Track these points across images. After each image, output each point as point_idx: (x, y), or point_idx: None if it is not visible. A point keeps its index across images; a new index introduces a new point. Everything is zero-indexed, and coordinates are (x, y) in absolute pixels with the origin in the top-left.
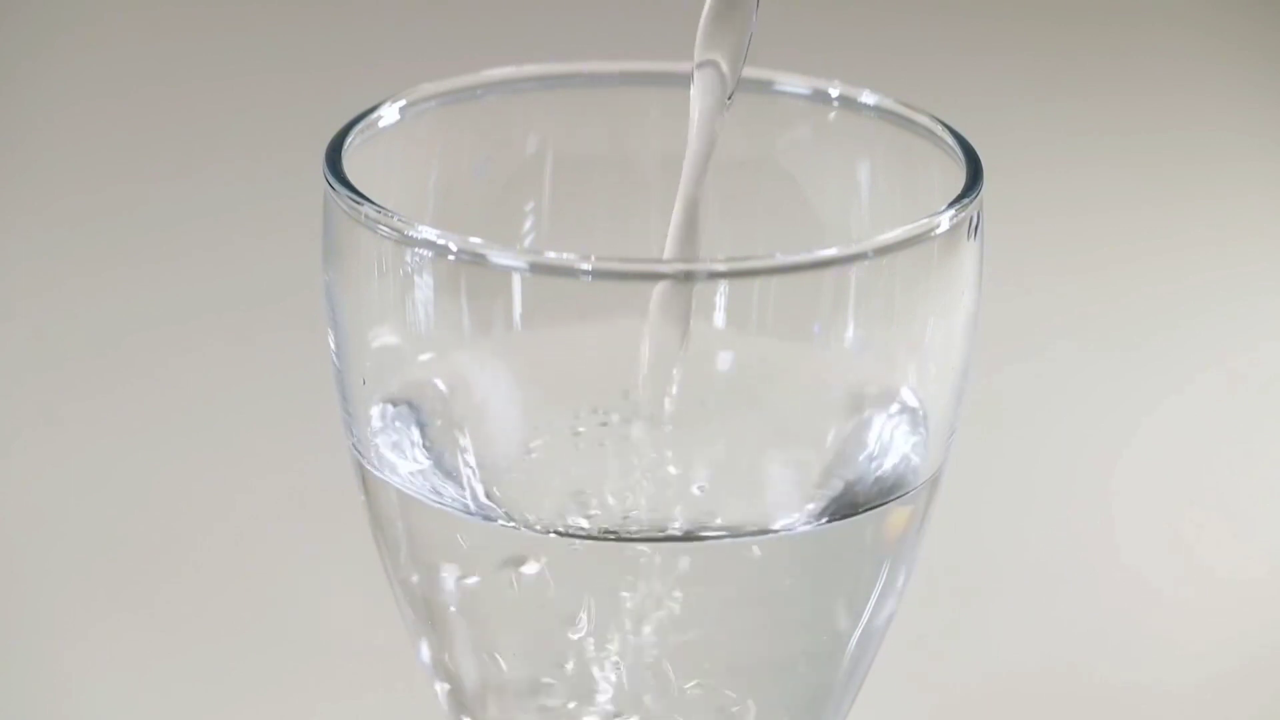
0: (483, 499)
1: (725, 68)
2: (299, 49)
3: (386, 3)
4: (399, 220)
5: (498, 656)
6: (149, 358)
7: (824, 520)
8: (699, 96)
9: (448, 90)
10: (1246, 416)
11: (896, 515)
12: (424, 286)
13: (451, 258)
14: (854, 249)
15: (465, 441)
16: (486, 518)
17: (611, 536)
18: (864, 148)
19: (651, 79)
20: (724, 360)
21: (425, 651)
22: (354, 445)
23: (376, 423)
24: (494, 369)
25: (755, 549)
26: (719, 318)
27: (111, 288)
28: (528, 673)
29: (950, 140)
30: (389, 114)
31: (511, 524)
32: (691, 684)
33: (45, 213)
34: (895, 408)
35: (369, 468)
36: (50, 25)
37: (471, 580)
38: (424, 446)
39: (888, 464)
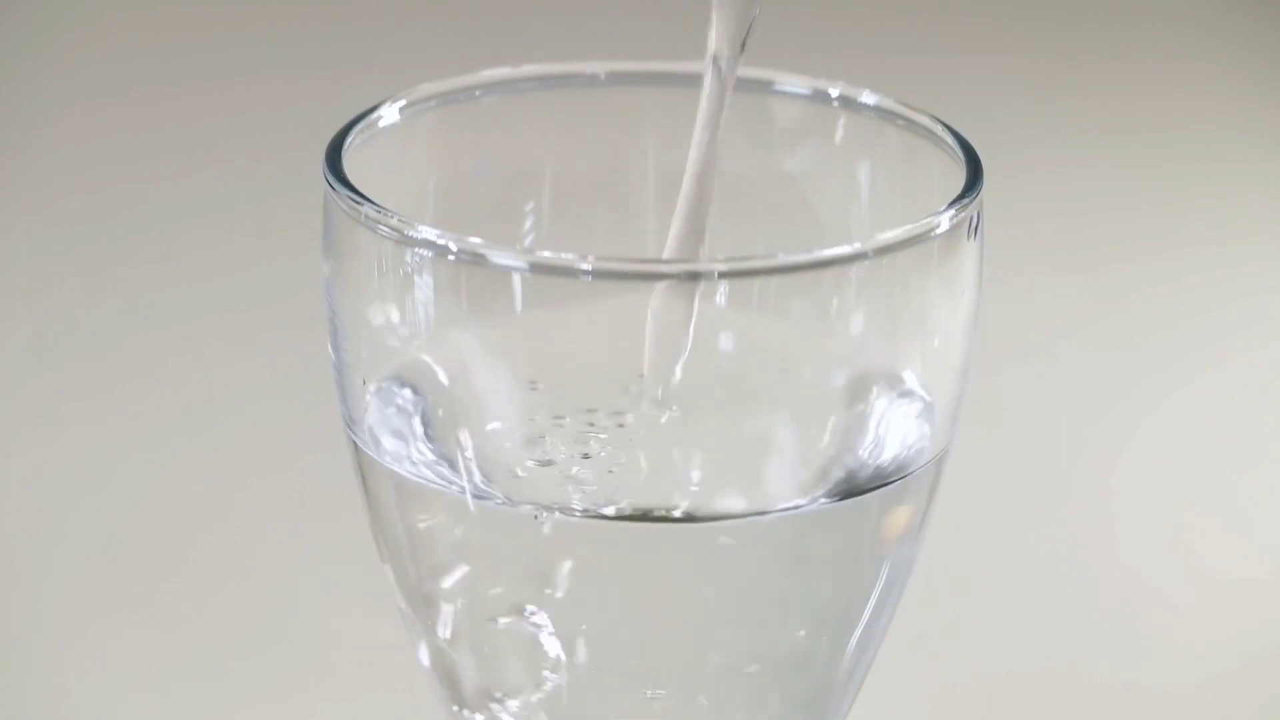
0: (480, 484)
1: (725, 60)
2: (299, 49)
3: (386, 3)
4: (399, 220)
5: (497, 651)
6: (149, 358)
7: (823, 500)
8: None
9: (447, 90)
10: (1246, 416)
11: (896, 514)
12: (424, 286)
13: (451, 258)
14: (854, 249)
15: (465, 431)
16: (484, 499)
17: (613, 517)
18: (864, 148)
19: (651, 79)
20: (724, 357)
21: (424, 651)
22: (354, 443)
23: (376, 416)
24: (494, 363)
25: (756, 531)
26: (720, 317)
27: (111, 288)
28: (527, 665)
29: (950, 140)
30: (389, 114)
31: (508, 505)
32: (692, 682)
33: (45, 213)
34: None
35: (367, 454)
36: (50, 25)
37: (470, 566)
38: (425, 437)
39: (887, 455)
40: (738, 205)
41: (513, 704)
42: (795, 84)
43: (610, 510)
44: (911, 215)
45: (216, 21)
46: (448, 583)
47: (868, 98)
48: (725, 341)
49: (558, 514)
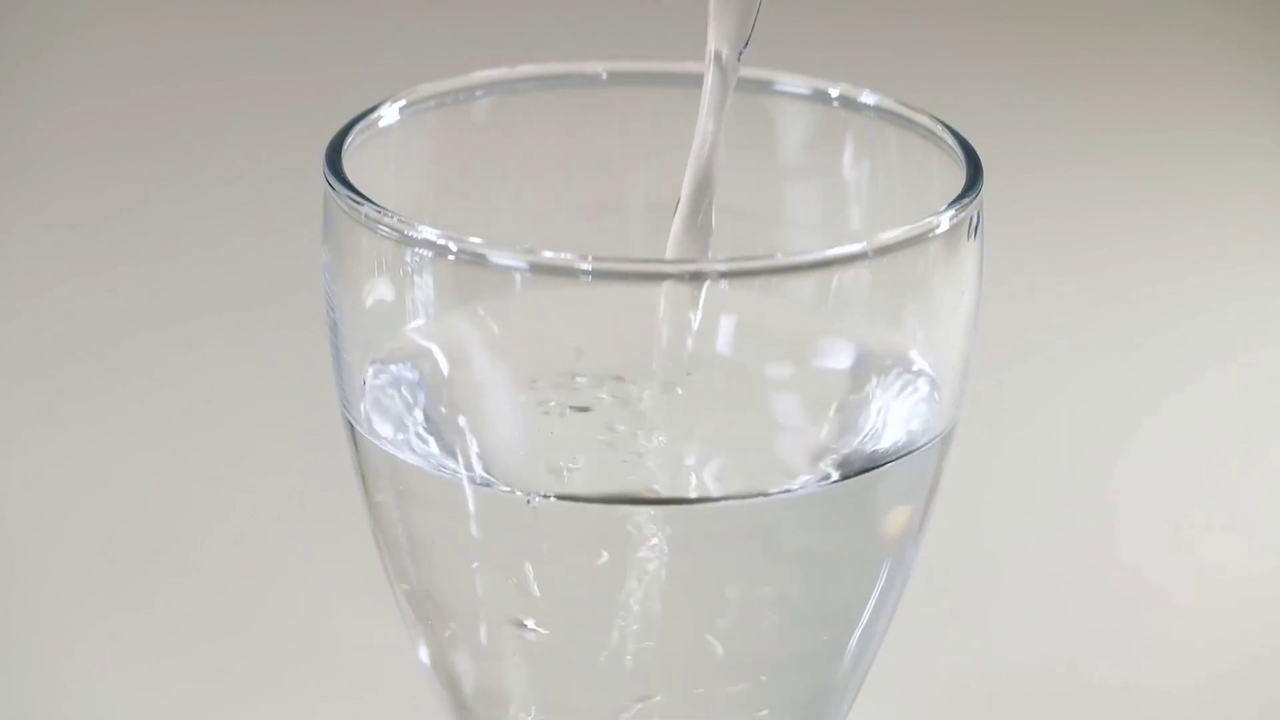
0: (481, 470)
1: (726, 56)
2: (299, 49)
3: (386, 3)
4: (399, 220)
5: (498, 645)
6: (149, 358)
7: (827, 480)
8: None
9: (448, 90)
10: (1246, 416)
11: (896, 515)
12: (424, 286)
13: (451, 258)
14: (854, 249)
15: (465, 419)
16: (485, 484)
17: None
18: (864, 148)
19: (651, 79)
20: (724, 353)
21: (424, 650)
22: (352, 438)
23: (375, 409)
24: (493, 353)
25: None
26: (720, 316)
27: (111, 288)
28: (526, 659)
29: (950, 140)
30: (389, 114)
31: (507, 489)
32: (693, 682)
33: (45, 213)
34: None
35: (364, 438)
36: (50, 25)
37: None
38: (425, 429)
39: (886, 443)
40: (738, 205)
41: (513, 704)
42: (795, 84)
43: (609, 493)
44: (911, 215)
45: (216, 21)
46: (447, 576)
47: (868, 98)
48: (725, 338)
49: (553, 499)
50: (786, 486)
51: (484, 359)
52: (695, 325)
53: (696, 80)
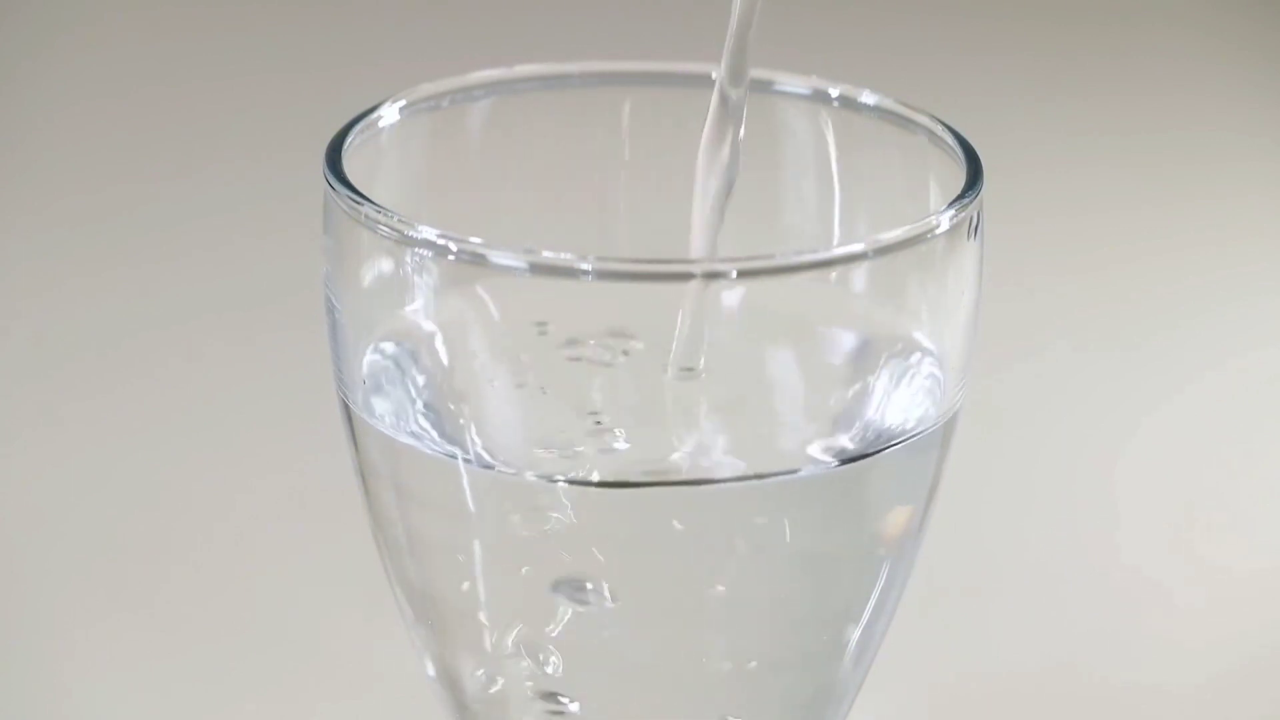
0: (482, 452)
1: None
2: (299, 49)
3: (386, 3)
4: (399, 220)
5: (497, 639)
6: (149, 358)
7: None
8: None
9: (448, 90)
10: (1247, 416)
11: (896, 515)
12: (424, 286)
13: (451, 258)
14: (854, 249)
15: (466, 409)
16: (486, 466)
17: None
18: (864, 148)
19: (652, 79)
20: (724, 349)
21: (424, 650)
22: (352, 432)
23: (376, 398)
24: (494, 343)
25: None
26: (719, 316)
27: (111, 288)
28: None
29: (950, 140)
30: (389, 114)
31: (511, 471)
32: (693, 682)
33: (45, 213)
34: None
35: (362, 424)
36: (50, 25)
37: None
38: (424, 412)
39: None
40: (738, 205)
41: (512, 703)
42: (795, 84)
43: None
44: (911, 215)
45: (216, 21)
46: (447, 576)
47: (868, 98)
48: (725, 335)
49: (562, 482)
50: (787, 468)
51: (482, 343)
52: (695, 321)
53: (696, 80)
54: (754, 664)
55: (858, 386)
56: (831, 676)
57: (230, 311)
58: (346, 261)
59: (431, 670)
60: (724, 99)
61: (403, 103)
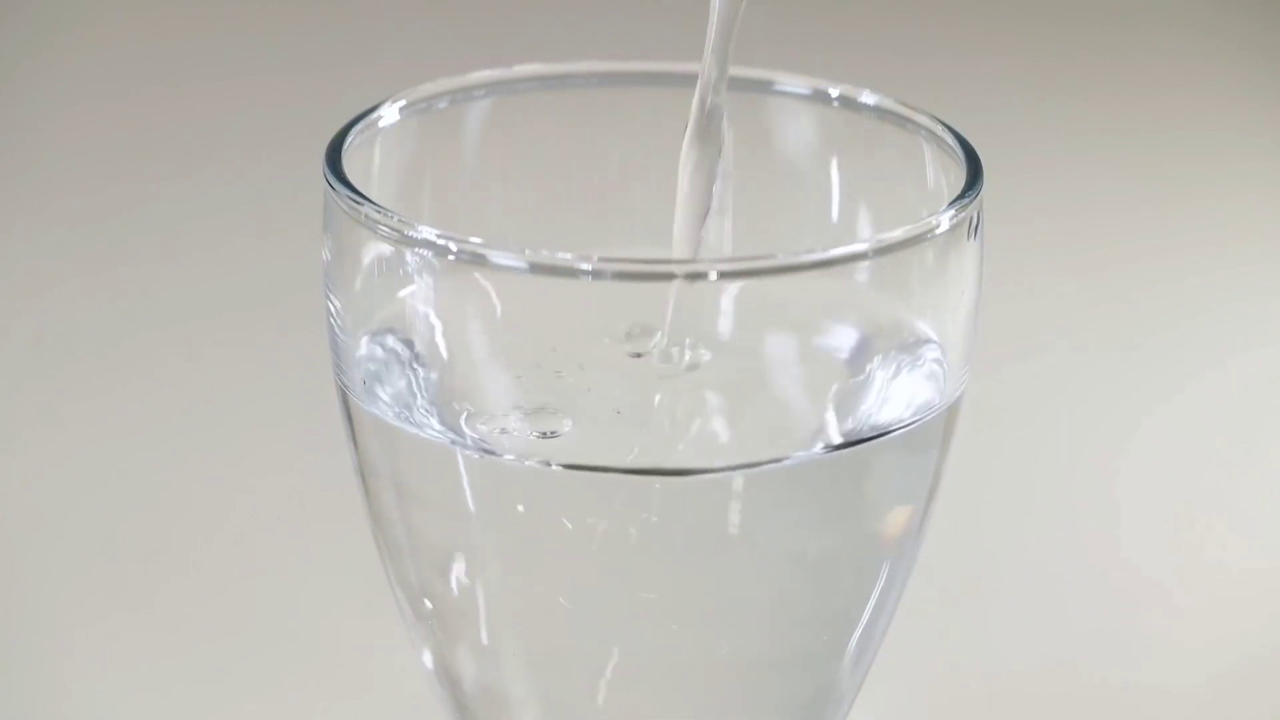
0: (479, 439)
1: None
2: (299, 49)
3: (386, 3)
4: (399, 220)
5: (497, 643)
6: (149, 358)
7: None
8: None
9: (448, 90)
10: (1247, 416)
11: (896, 515)
12: (424, 286)
13: (451, 258)
14: (854, 249)
15: (464, 400)
16: (487, 452)
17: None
18: (864, 148)
19: (651, 79)
20: (724, 346)
21: (424, 650)
22: (353, 440)
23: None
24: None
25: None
26: (719, 316)
27: (111, 288)
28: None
29: (950, 140)
30: (389, 114)
31: (512, 457)
32: (693, 681)
33: (45, 213)
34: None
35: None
36: (50, 25)
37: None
38: (425, 410)
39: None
40: (738, 205)
41: (512, 703)
42: (795, 84)
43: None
44: (911, 215)
45: (216, 21)
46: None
47: (868, 98)
48: (725, 332)
49: (556, 466)
50: (780, 456)
51: (481, 338)
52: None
53: (696, 80)
54: (754, 664)
55: (856, 385)
56: (831, 677)
57: (230, 311)
58: (346, 261)
59: (431, 669)
60: (703, 104)
61: (403, 103)
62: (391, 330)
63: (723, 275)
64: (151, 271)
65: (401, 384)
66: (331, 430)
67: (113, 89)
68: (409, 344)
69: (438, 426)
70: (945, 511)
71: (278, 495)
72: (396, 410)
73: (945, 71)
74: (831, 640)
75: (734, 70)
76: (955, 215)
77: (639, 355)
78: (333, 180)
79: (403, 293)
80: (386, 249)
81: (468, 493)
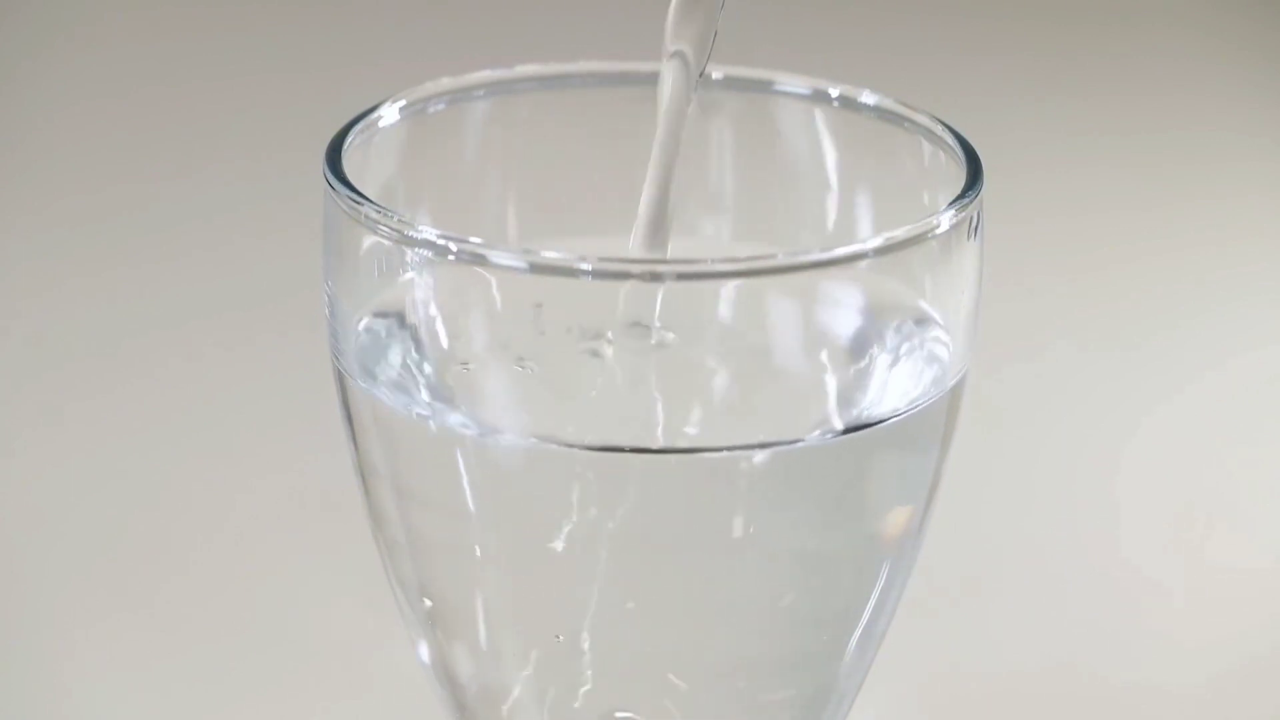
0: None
1: (691, 58)
2: (299, 49)
3: (386, 3)
4: (399, 220)
5: (497, 642)
6: (149, 358)
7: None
8: (666, 87)
9: (447, 90)
10: (1246, 416)
11: (897, 514)
12: (424, 286)
13: (451, 258)
14: (854, 249)
15: (464, 392)
16: (487, 435)
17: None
18: (864, 148)
19: (650, 79)
20: (724, 345)
21: (424, 649)
22: (353, 439)
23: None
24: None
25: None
26: (719, 317)
27: (111, 288)
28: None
29: (950, 140)
30: (389, 114)
31: (508, 441)
32: (692, 681)
33: (45, 213)
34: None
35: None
36: (50, 25)
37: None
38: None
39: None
40: (738, 205)
41: (512, 702)
42: (795, 84)
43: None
44: (911, 215)
45: (216, 21)
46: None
47: (868, 98)
48: (727, 339)
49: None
50: (787, 439)
51: (481, 332)
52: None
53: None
54: (754, 663)
55: (856, 378)
56: (831, 676)
57: (230, 311)
58: (346, 262)
59: (431, 669)
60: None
61: (403, 103)
62: (391, 333)
63: (722, 275)
64: (151, 271)
65: (400, 380)
66: (331, 430)
67: (113, 89)
68: (409, 344)
69: (437, 413)
70: (945, 511)
71: (278, 495)
72: (395, 406)
73: (945, 71)
74: (831, 640)
75: (734, 70)
76: (955, 215)
77: (635, 349)
78: (333, 180)
79: (402, 292)
80: (386, 248)
81: (465, 480)
